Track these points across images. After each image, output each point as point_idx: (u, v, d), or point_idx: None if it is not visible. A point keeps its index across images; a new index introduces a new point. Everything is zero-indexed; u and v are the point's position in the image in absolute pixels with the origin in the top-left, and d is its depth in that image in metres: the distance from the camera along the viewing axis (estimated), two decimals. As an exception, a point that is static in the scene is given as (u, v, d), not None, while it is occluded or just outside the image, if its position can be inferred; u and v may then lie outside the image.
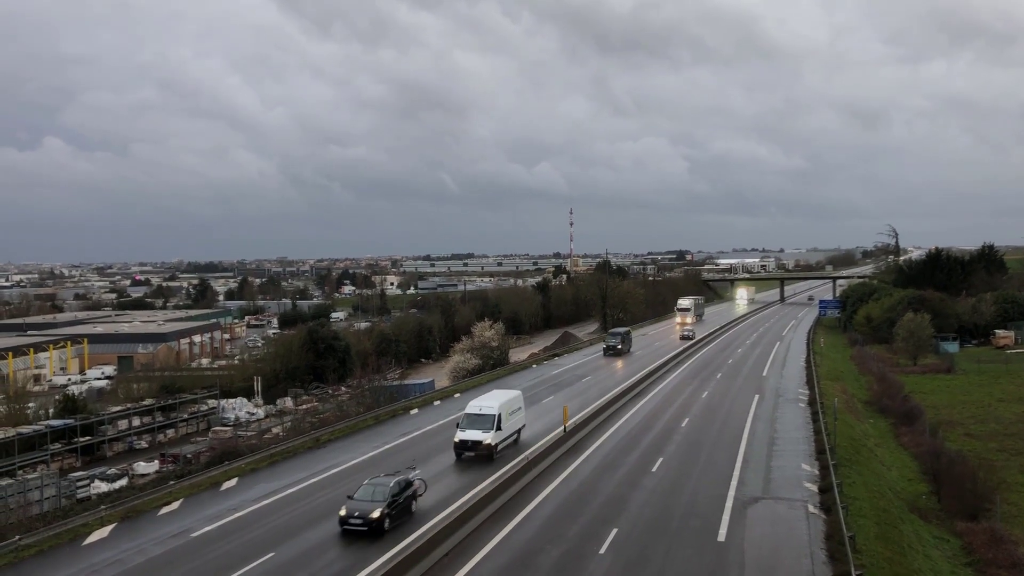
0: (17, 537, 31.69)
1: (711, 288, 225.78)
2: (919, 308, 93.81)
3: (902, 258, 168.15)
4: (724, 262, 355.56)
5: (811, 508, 33.65)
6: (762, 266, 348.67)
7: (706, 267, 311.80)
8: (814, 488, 36.56)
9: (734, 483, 37.48)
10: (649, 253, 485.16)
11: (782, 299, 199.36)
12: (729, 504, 34.09)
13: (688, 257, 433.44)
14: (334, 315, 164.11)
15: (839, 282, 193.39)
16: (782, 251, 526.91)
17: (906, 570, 28.82)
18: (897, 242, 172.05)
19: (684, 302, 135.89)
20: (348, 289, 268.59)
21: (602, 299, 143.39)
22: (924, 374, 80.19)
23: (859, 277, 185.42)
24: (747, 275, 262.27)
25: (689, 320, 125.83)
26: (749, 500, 34.83)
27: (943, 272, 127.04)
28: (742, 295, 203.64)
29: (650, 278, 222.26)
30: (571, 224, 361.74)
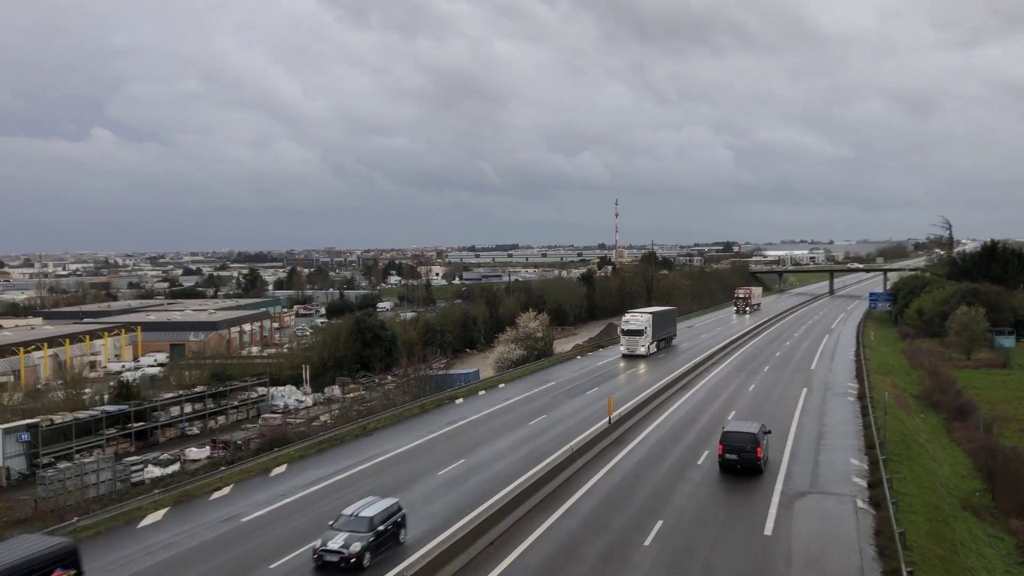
0: (75, 519, 32.65)
1: (759, 280, 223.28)
2: (973, 301, 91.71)
3: (956, 250, 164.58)
4: (772, 254, 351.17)
5: (860, 503, 33.21)
6: (811, 258, 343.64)
7: (754, 259, 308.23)
8: (863, 483, 36.06)
9: (781, 477, 37.11)
10: (696, 244, 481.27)
11: (831, 291, 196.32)
12: (776, 498, 33.78)
13: (735, 249, 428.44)
14: (380, 305, 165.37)
15: (890, 274, 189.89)
16: (831, 243, 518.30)
17: (958, 568, 28.32)
18: (951, 234, 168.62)
19: (633, 319, 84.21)
20: (394, 279, 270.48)
21: (647, 290, 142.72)
22: (978, 369, 78.49)
23: (911, 269, 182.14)
24: (795, 267, 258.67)
25: (642, 348, 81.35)
26: (796, 494, 34.48)
27: (999, 264, 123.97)
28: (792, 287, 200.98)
29: (697, 269, 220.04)
30: (616, 215, 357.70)
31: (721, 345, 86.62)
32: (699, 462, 39.76)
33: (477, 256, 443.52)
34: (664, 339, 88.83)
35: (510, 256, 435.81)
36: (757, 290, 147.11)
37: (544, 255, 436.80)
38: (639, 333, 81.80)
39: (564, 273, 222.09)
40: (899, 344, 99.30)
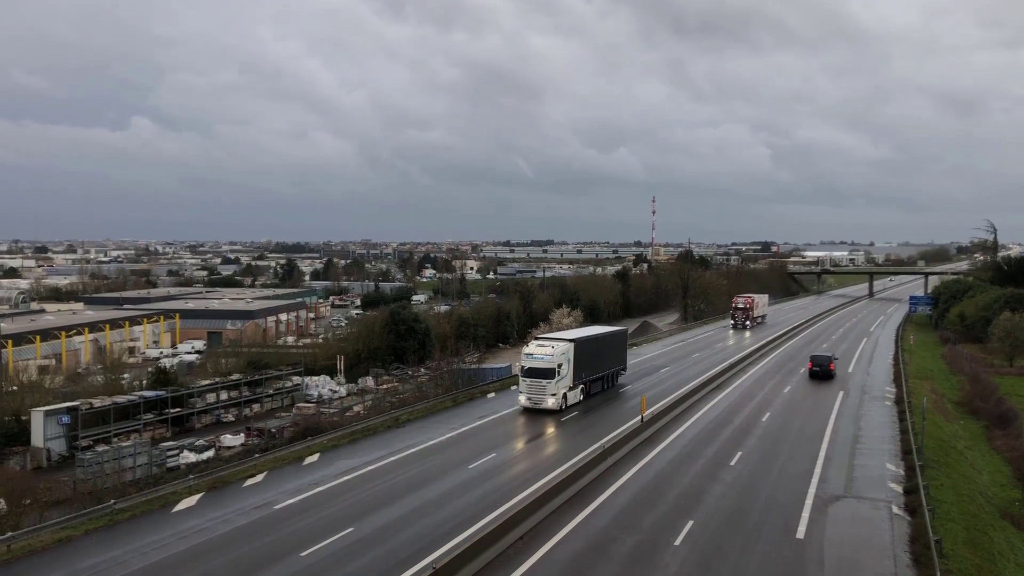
0: (112, 501, 33.22)
1: (796, 281, 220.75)
2: (1018, 307, 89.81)
3: (1000, 255, 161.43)
4: (811, 254, 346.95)
5: (895, 509, 32.71)
6: (850, 260, 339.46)
7: (792, 259, 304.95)
8: (899, 489, 35.52)
9: (815, 480, 36.67)
10: (733, 243, 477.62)
11: (870, 294, 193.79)
12: (809, 501, 33.39)
13: (774, 249, 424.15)
14: (415, 298, 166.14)
15: (931, 278, 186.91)
16: (872, 244, 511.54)
17: (995, 578, 27.79)
18: (995, 238, 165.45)
19: (540, 350, 52.78)
20: (429, 272, 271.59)
21: (683, 289, 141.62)
22: (1021, 376, 76.92)
23: (953, 273, 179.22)
24: (834, 268, 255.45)
25: (551, 399, 51.53)
26: (830, 498, 34.05)
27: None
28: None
29: (734, 269, 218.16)
30: (653, 213, 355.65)
31: (755, 347, 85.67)
32: (732, 463, 39.43)
33: (512, 251, 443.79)
34: (600, 378, 59.20)
35: (545, 252, 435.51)
36: (762, 298, 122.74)
37: (579, 251, 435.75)
38: (547, 375, 51.50)
39: (599, 270, 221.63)
40: (939, 349, 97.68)
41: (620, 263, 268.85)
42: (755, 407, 54.44)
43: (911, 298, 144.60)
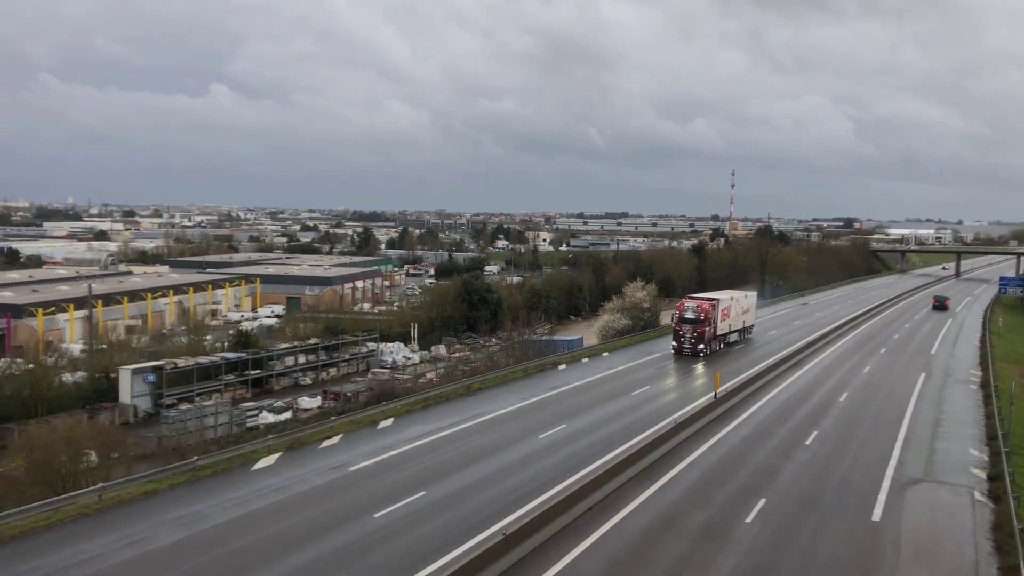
0: (195, 458, 34.47)
1: (879, 259, 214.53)
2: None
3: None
4: (895, 232, 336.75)
5: (977, 495, 31.72)
6: (937, 238, 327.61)
7: (875, 236, 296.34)
8: (982, 475, 34.42)
9: (893, 463, 35.79)
10: (814, 219, 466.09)
11: (957, 274, 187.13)
12: (886, 484, 32.62)
13: (856, 225, 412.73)
14: (488, 268, 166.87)
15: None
16: (960, 223, 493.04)
17: (1083, 570, 26.74)
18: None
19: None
20: (502, 243, 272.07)
21: (761, 265, 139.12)
22: (1118, 363, 73.43)
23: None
24: (919, 247, 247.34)
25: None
26: (909, 481, 33.20)
27: None
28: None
29: (814, 245, 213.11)
30: (732, 186, 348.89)
31: (834, 325, 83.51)
32: (807, 442, 38.74)
33: (585, 223, 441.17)
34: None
35: (619, 224, 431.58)
36: (737, 299, 72.03)
37: (654, 224, 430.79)
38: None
39: (674, 244, 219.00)
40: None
41: (696, 237, 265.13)
42: (833, 387, 53.30)
43: (1001, 279, 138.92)
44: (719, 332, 66.72)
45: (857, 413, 45.53)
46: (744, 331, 74.25)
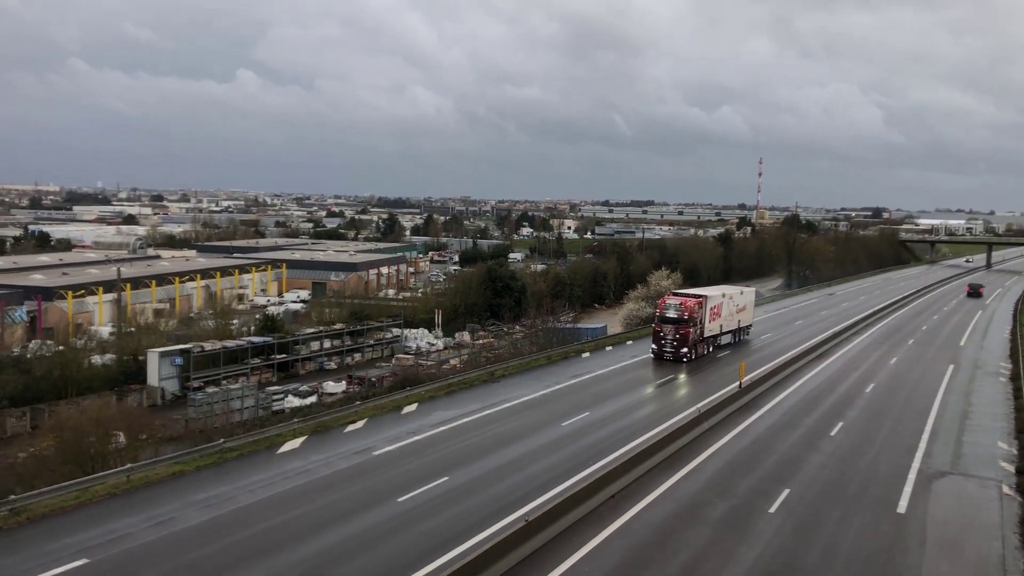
0: (222, 440, 34.83)
1: (908, 250, 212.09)
2: None
3: None
4: (925, 222, 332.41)
5: (1006, 489, 31.37)
6: (967, 229, 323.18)
7: (904, 227, 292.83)
8: (1011, 468, 34.02)
9: (919, 455, 35.47)
10: (842, 209, 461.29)
11: (988, 265, 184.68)
12: (912, 476, 32.34)
13: (885, 215, 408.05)
14: (512, 255, 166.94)
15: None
16: (992, 213, 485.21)
17: (1113, 566, 26.41)
18: None
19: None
20: (526, 231, 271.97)
21: (788, 254, 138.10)
22: None
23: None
24: (949, 237, 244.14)
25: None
26: (935, 474, 32.91)
27: None
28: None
29: (842, 235, 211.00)
30: (759, 175, 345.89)
31: (861, 316, 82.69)
32: (832, 433, 38.49)
33: (611, 211, 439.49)
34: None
35: (645, 212, 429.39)
36: (730, 298, 63.20)
37: (680, 213, 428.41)
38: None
39: (700, 232, 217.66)
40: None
41: (723, 226, 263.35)
42: (859, 378, 52.87)
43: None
44: (707, 333, 59.04)
45: (883, 404, 45.15)
46: (739, 332, 66.20)
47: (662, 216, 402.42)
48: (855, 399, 46.34)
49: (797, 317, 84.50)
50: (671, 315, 56.33)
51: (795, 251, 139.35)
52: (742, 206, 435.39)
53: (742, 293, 67.06)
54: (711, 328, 59.46)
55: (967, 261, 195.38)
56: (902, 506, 28.96)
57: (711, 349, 60.10)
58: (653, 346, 57.17)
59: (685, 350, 55.70)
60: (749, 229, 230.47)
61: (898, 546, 25.51)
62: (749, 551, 24.66)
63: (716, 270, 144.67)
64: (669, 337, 56.04)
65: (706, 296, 59.18)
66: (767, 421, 40.60)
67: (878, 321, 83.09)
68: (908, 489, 30.73)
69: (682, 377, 51.85)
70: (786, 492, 29.81)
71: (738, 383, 45.83)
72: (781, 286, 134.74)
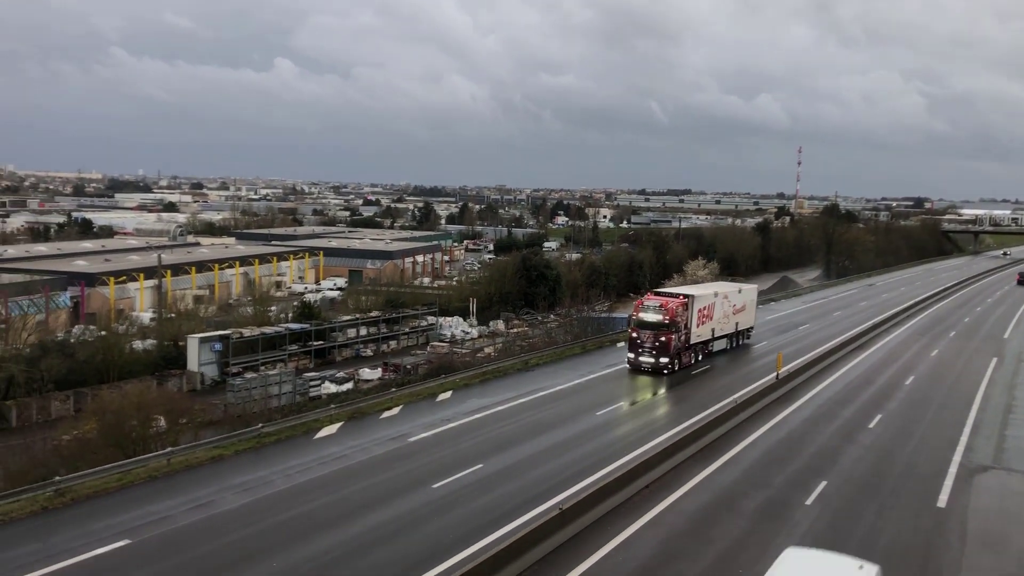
0: (260, 425, 35.30)
1: (951, 240, 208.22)
2: None
3: None
4: (968, 212, 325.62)
5: (1050, 485, 30.78)
6: (1013, 219, 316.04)
7: (947, 217, 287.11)
8: (1055, 464, 33.37)
9: (960, 449, 34.89)
10: (883, 198, 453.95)
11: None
12: (953, 470, 31.83)
13: (927, 205, 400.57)
14: (547, 244, 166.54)
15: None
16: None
17: None
18: None
19: None
20: (561, 220, 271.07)
21: (827, 244, 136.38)
22: None
23: None
24: (994, 228, 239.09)
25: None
26: (977, 468, 32.36)
27: None
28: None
29: (883, 225, 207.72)
30: (799, 164, 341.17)
31: (901, 307, 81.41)
32: (871, 425, 38.00)
33: (647, 200, 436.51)
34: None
35: (682, 202, 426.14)
36: (724, 297, 55.34)
37: (718, 202, 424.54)
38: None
39: (738, 222, 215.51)
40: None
41: (761, 215, 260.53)
42: (899, 369, 52.12)
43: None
44: (694, 340, 50.93)
45: (924, 397, 44.47)
46: (738, 336, 58.22)
47: (699, 205, 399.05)
48: (895, 391, 45.69)
49: (836, 308, 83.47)
50: (649, 318, 48.40)
51: (834, 241, 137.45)
52: (780, 195, 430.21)
53: (740, 291, 58.74)
54: (700, 333, 51.66)
55: (1004, 255, 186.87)
56: (942, 500, 28.53)
57: (700, 358, 52.16)
58: (629, 355, 49.56)
59: (665, 360, 47.85)
60: (788, 219, 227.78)
61: (937, 540, 25.15)
62: (784, 543, 24.37)
63: (754, 260, 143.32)
64: (647, 345, 48.22)
65: (693, 296, 51.40)
66: (804, 412, 40.19)
67: (919, 312, 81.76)
68: (949, 483, 30.25)
69: (719, 365, 51.40)
70: (823, 484, 29.50)
71: (775, 374, 45.39)
72: (820, 276, 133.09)
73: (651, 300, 50.03)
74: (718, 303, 54.03)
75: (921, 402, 43.24)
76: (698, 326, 51.11)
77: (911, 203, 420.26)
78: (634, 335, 49.10)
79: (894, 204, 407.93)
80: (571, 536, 23.93)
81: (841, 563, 18.46)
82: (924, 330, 70.08)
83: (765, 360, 52.58)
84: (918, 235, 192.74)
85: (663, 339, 47.77)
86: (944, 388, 47.13)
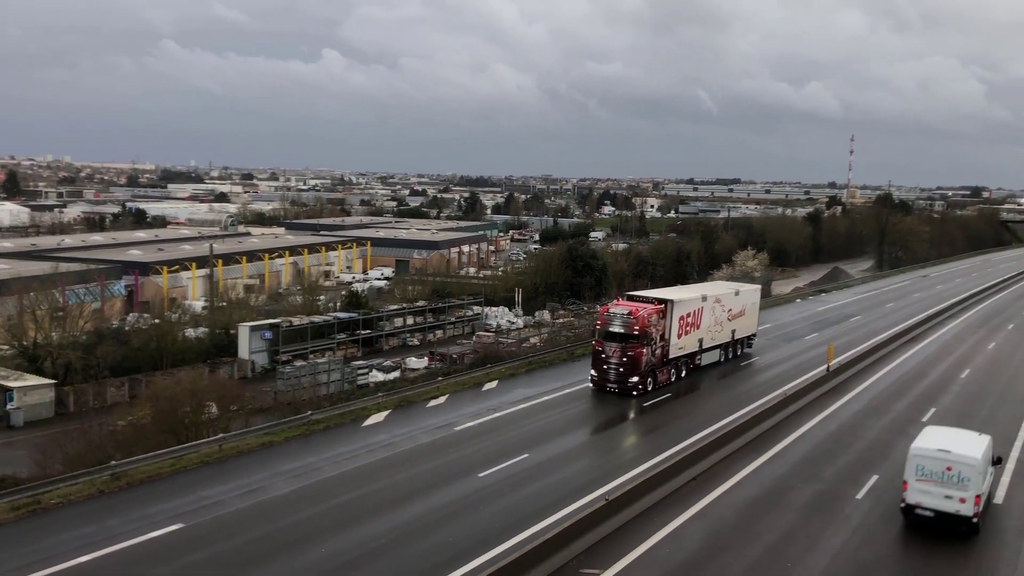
0: (309, 412, 35.76)
1: (1009, 231, 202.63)
2: None
3: None
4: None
5: (1113, 482, 29.85)
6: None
7: (1005, 206, 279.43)
8: (1118, 461, 32.35)
9: (1019, 444, 34.05)
10: (938, 188, 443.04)
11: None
12: (1011, 466, 31.03)
13: (985, 195, 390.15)
14: (593, 234, 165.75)
15: None
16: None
17: None
18: None
19: None
20: (608, 209, 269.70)
21: (880, 235, 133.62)
22: None
23: None
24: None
25: None
26: (1035, 464, 31.53)
27: None
28: None
29: (938, 215, 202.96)
30: (851, 152, 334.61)
31: (957, 299, 79.47)
32: (924, 419, 37.19)
33: (695, 189, 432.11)
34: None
35: (730, 191, 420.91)
36: (717, 301, 46.93)
37: (768, 191, 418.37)
38: None
39: (788, 211, 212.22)
40: None
41: (812, 205, 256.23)
42: (954, 362, 50.97)
43: None
44: (675, 353, 43.13)
45: (980, 391, 43.44)
46: (733, 346, 49.95)
47: (748, 194, 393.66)
48: (949, 385, 44.70)
49: (889, 299, 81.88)
50: (616, 329, 40.49)
51: (887, 231, 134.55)
52: (832, 184, 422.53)
53: (738, 293, 50.08)
54: (682, 345, 43.83)
55: None
56: (999, 496, 27.87)
57: (683, 374, 44.43)
58: (592, 372, 41.71)
59: (635, 379, 40.03)
60: (839, 208, 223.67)
61: (992, 537, 24.59)
62: (835, 537, 24.13)
63: (804, 250, 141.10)
64: (613, 361, 40.38)
65: (672, 301, 43.01)
66: (855, 405, 39.53)
67: (975, 305, 79.82)
68: (1006, 479, 29.53)
69: (769, 357, 50.74)
70: (874, 478, 29.01)
71: (826, 366, 44.70)
72: (872, 267, 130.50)
73: (618, 307, 41.97)
74: (707, 308, 46.01)
75: (977, 396, 42.25)
76: (680, 336, 43.42)
77: (968, 192, 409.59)
78: (598, 349, 41.26)
79: (950, 193, 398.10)
80: (617, 527, 23.87)
81: (965, 434, 27.67)
82: (981, 323, 68.41)
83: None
84: (975, 225, 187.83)
85: (631, 354, 39.92)
86: (1001, 382, 45.96)
